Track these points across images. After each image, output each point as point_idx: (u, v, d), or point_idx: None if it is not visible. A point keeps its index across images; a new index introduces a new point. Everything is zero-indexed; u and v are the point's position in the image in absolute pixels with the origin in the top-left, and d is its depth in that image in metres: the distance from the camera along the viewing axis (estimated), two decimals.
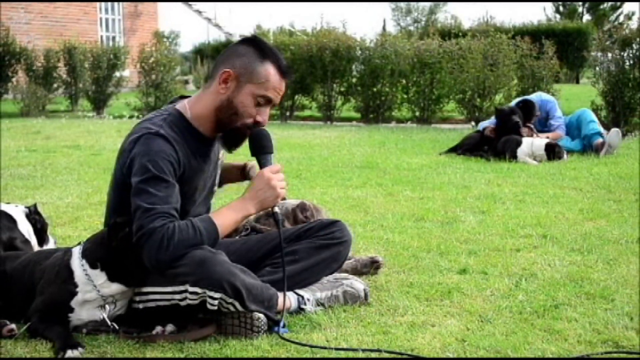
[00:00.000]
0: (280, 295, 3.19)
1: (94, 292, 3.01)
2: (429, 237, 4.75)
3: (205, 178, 3.30)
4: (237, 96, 3.15)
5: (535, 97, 9.67)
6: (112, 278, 3.00)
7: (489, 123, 9.48)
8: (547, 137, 8.91)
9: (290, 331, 3.06)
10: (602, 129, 9.21)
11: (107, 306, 3.04)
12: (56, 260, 3.11)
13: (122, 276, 3.02)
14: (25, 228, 3.90)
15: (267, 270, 3.29)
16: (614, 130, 9.17)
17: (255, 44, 3.21)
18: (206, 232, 3.03)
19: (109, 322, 3.02)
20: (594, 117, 9.36)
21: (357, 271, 3.80)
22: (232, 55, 3.20)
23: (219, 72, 3.17)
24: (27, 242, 3.82)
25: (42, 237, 4.00)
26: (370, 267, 3.85)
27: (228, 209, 3.19)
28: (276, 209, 3.21)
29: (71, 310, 3.01)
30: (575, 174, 7.37)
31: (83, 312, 3.02)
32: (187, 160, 3.15)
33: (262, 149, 3.23)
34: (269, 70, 3.15)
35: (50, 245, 4.01)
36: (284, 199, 3.28)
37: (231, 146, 3.29)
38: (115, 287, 3.02)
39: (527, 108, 9.09)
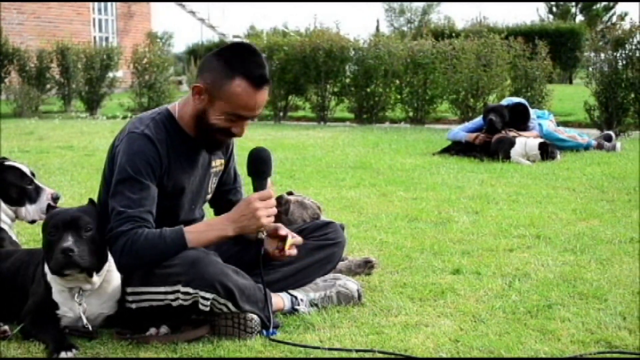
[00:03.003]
0: (274, 295, 3.19)
1: (57, 284, 3.00)
2: (423, 237, 4.76)
3: (192, 181, 3.30)
4: (210, 110, 3.11)
5: (505, 102, 9.62)
6: (52, 271, 2.97)
7: (460, 129, 9.48)
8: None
9: (283, 332, 3.06)
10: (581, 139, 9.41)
11: (82, 304, 3.00)
12: (37, 258, 3.13)
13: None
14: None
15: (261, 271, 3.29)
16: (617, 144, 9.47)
17: (227, 56, 3.10)
18: (173, 243, 3.01)
19: (84, 320, 2.99)
20: (559, 134, 9.39)
21: (351, 271, 3.80)
22: (205, 67, 3.15)
23: (197, 80, 3.16)
24: (15, 242, 3.78)
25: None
26: (364, 267, 3.85)
27: (207, 225, 3.18)
28: (261, 235, 3.15)
29: (56, 305, 3.00)
30: (569, 174, 7.39)
31: (65, 305, 2.99)
32: (169, 161, 3.16)
33: (257, 172, 3.16)
34: (237, 88, 3.04)
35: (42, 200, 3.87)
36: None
37: (208, 149, 3.30)
38: (59, 279, 2.98)
39: (517, 112, 9.05)
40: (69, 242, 2.86)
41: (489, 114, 8.95)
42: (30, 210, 3.83)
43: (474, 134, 9.09)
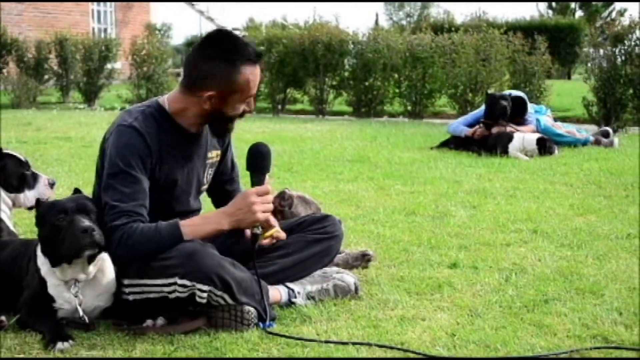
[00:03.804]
0: (271, 288, 3.19)
1: (52, 277, 3.00)
2: (420, 231, 4.76)
3: (187, 173, 3.30)
4: (226, 107, 3.15)
5: (505, 94, 9.65)
6: (52, 263, 2.98)
7: (460, 123, 9.45)
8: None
9: (280, 324, 3.06)
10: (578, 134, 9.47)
11: (78, 296, 3.00)
12: (28, 250, 3.12)
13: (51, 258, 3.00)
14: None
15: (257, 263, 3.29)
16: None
17: (220, 52, 3.10)
18: (168, 237, 3.00)
19: (80, 312, 2.99)
20: (557, 129, 9.46)
21: (348, 264, 3.80)
22: (206, 74, 3.09)
23: (198, 88, 3.12)
24: (12, 233, 3.78)
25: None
26: (362, 260, 3.85)
27: (202, 219, 3.18)
28: (256, 230, 3.16)
29: (52, 299, 3.00)
30: (566, 170, 7.39)
31: (61, 298, 2.99)
32: (160, 153, 3.16)
33: (256, 168, 3.18)
34: (245, 73, 3.11)
35: (40, 186, 3.90)
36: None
37: (220, 135, 3.37)
38: (57, 270, 2.98)
39: (516, 104, 9.06)
40: (86, 222, 2.88)
41: (500, 100, 8.92)
42: (29, 196, 3.86)
43: (472, 129, 9.08)
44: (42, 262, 3.01)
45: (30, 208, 3.91)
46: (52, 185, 3.95)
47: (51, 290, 3.00)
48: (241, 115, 3.22)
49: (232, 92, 3.12)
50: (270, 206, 3.16)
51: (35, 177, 3.92)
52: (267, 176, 3.19)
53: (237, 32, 3.54)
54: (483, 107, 9.40)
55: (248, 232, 3.25)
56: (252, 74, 3.13)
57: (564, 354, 2.77)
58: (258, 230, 3.16)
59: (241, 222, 3.12)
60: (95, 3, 27.67)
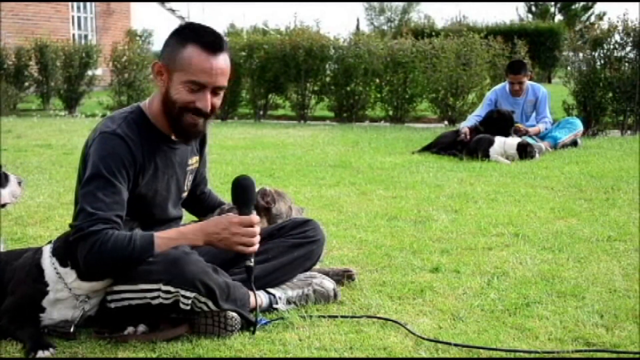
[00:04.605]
0: (252, 294, 3.18)
1: (65, 290, 2.98)
2: (402, 236, 4.77)
3: (168, 181, 3.29)
4: (171, 86, 3.10)
5: (529, 83, 9.87)
6: (82, 276, 2.97)
7: (470, 123, 9.46)
8: (527, 132, 9.08)
9: (262, 331, 3.05)
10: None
11: (84, 306, 3.00)
12: (26, 260, 3.08)
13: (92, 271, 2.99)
14: None
15: (237, 269, 3.28)
16: None
17: (179, 30, 3.15)
18: (140, 248, 2.96)
19: (73, 325, 2.98)
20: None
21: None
22: (163, 46, 3.17)
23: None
24: None
25: None
26: (343, 276, 3.76)
27: (179, 233, 3.12)
28: (249, 263, 3.14)
29: (42, 310, 2.98)
30: (547, 173, 7.43)
31: (55, 311, 2.99)
32: (143, 161, 3.14)
33: (241, 201, 3.16)
34: (190, 53, 3.06)
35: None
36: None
37: (183, 138, 3.24)
38: (86, 285, 2.99)
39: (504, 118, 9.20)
40: None
41: (509, 129, 8.99)
42: (4, 194, 3.83)
43: (469, 130, 9.11)
44: (63, 272, 2.97)
45: (3, 205, 3.88)
46: (20, 183, 3.95)
47: (47, 302, 2.97)
48: (195, 111, 3.12)
49: (174, 69, 3.08)
50: (252, 239, 3.10)
51: (6, 177, 3.91)
52: (252, 207, 3.17)
53: None
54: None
55: None
56: (198, 55, 3.05)
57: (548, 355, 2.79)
58: (250, 263, 3.14)
59: (215, 245, 3.11)
60: (75, 9, 27.53)
